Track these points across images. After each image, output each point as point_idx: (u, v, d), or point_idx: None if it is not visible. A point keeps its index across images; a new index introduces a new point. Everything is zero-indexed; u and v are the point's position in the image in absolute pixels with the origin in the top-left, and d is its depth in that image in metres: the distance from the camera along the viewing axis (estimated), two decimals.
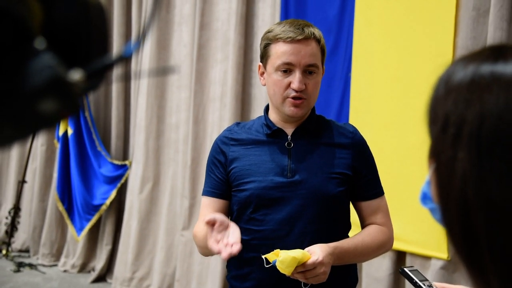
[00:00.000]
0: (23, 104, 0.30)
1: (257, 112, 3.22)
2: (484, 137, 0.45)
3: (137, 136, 3.77)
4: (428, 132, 0.51)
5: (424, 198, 0.54)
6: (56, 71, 0.31)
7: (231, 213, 1.46)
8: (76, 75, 0.33)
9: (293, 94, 1.35)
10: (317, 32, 1.38)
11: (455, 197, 0.47)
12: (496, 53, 0.48)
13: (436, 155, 0.50)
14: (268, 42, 1.38)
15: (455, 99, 0.48)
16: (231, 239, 1.20)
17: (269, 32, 1.39)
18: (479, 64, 0.48)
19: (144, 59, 3.73)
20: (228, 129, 1.50)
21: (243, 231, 1.40)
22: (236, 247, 1.18)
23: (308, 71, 1.35)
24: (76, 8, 0.37)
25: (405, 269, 1.17)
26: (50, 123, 0.32)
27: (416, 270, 1.17)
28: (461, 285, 1.13)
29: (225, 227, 1.24)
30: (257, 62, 3.25)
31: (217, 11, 3.42)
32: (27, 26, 0.31)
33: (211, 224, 1.23)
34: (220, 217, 1.24)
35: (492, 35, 2.18)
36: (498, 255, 0.45)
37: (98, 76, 0.35)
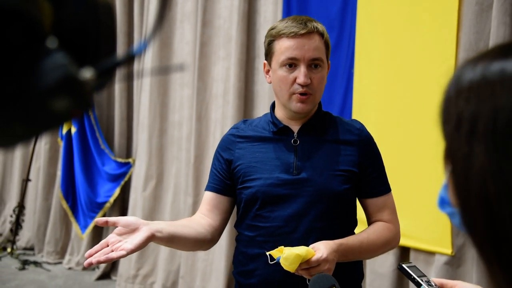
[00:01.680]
0: (36, 102, 0.31)
1: (260, 109, 3.23)
2: (499, 129, 0.44)
3: (140, 134, 3.77)
4: (442, 133, 0.51)
5: (442, 202, 0.54)
6: (69, 70, 0.31)
7: (237, 210, 1.47)
8: (87, 73, 0.33)
9: (299, 89, 1.34)
10: (320, 26, 1.37)
11: (475, 194, 0.46)
12: (505, 50, 0.48)
13: (452, 154, 0.49)
14: (271, 39, 1.38)
15: (467, 97, 0.47)
16: (125, 245, 1.13)
17: (272, 29, 1.39)
18: (488, 62, 0.48)
19: (147, 57, 3.73)
20: (235, 127, 1.51)
21: (249, 228, 1.41)
22: (116, 254, 1.10)
23: (313, 65, 1.35)
24: (84, 8, 0.37)
25: (403, 265, 1.17)
26: (61, 122, 0.33)
27: (414, 266, 1.17)
28: (464, 281, 1.13)
29: (132, 230, 1.18)
30: (259, 59, 3.25)
31: (219, 8, 3.42)
32: (39, 26, 0.31)
33: (113, 225, 1.19)
34: (126, 220, 1.19)
35: (495, 30, 2.17)
36: None
37: (107, 74, 0.36)
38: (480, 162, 0.45)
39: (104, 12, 0.38)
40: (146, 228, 1.19)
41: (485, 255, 0.47)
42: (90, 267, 1.29)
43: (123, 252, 1.11)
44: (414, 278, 1.12)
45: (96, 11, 0.38)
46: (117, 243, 1.14)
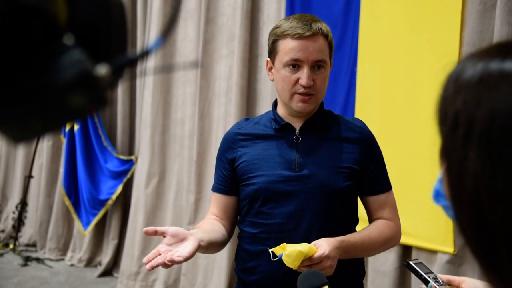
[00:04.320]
0: (53, 98, 0.31)
1: (262, 107, 3.23)
2: (494, 136, 0.45)
3: (143, 131, 3.78)
4: (438, 130, 0.51)
5: (437, 195, 0.54)
6: (85, 66, 0.32)
7: (240, 207, 1.48)
8: (102, 70, 0.34)
9: (301, 90, 1.35)
10: (324, 27, 1.38)
11: (468, 197, 0.47)
12: (504, 50, 0.48)
13: (447, 154, 0.49)
14: (276, 38, 1.38)
15: (464, 98, 0.48)
16: (176, 253, 1.17)
17: (276, 27, 1.39)
18: (487, 61, 0.48)
19: (150, 55, 3.73)
20: (237, 125, 1.52)
21: (251, 225, 1.42)
22: (177, 258, 1.14)
23: (316, 66, 1.36)
24: (97, 6, 0.38)
25: (410, 262, 1.17)
26: (77, 117, 0.33)
27: (421, 262, 1.18)
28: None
29: (180, 240, 1.23)
30: (262, 57, 3.26)
31: (222, 6, 3.42)
32: (56, 23, 0.32)
33: (162, 235, 1.23)
34: (174, 230, 1.23)
35: (499, 30, 2.17)
36: None
37: (120, 71, 0.36)
38: (473, 168, 0.46)
39: (116, 10, 0.38)
40: (193, 238, 1.24)
41: (476, 255, 0.48)
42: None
43: (181, 258, 1.15)
44: (421, 274, 1.13)
45: (108, 8, 0.38)
46: (168, 252, 1.19)
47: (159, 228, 1.23)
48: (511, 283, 0.45)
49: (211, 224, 1.44)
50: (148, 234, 1.22)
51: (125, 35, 0.40)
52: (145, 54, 0.37)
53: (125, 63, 0.36)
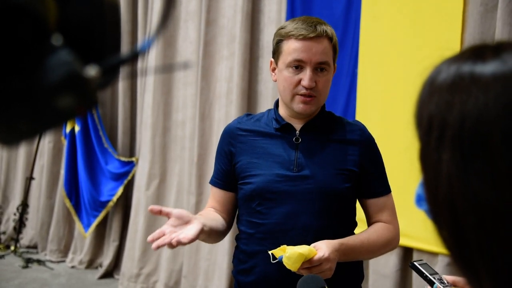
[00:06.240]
0: (41, 99, 0.31)
1: (263, 108, 3.22)
2: (465, 139, 0.45)
3: (144, 133, 3.78)
4: (416, 134, 0.51)
5: (419, 200, 0.55)
6: (74, 67, 0.31)
7: (238, 206, 1.48)
8: (92, 71, 0.33)
9: (303, 91, 1.35)
10: (329, 30, 1.38)
11: (442, 200, 0.47)
12: (475, 53, 0.49)
13: (423, 159, 0.50)
14: (280, 38, 1.39)
15: (438, 102, 0.48)
16: (180, 235, 1.18)
17: (282, 28, 1.40)
18: (460, 65, 0.48)
19: (150, 56, 3.74)
20: (238, 119, 1.53)
21: (248, 224, 1.42)
22: (173, 240, 1.15)
23: (319, 68, 1.36)
24: (90, 5, 0.37)
25: (415, 263, 1.17)
26: (66, 119, 0.33)
27: (426, 263, 1.17)
28: None
29: (184, 222, 1.24)
30: (263, 58, 3.25)
31: (223, 7, 3.42)
32: (44, 23, 0.31)
33: (166, 216, 1.24)
34: (179, 212, 1.25)
35: (500, 31, 2.17)
36: (489, 257, 0.45)
37: (112, 72, 0.36)
38: (447, 171, 0.46)
39: (109, 9, 0.38)
40: (197, 221, 1.25)
41: (452, 256, 0.49)
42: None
43: (186, 240, 1.17)
44: (426, 275, 1.12)
45: (101, 8, 0.38)
46: (173, 234, 1.20)
47: (164, 208, 1.24)
48: (487, 285, 0.45)
49: (212, 214, 1.46)
50: (153, 213, 1.24)
51: (118, 36, 0.39)
52: (136, 54, 0.36)
53: (116, 64, 0.36)
